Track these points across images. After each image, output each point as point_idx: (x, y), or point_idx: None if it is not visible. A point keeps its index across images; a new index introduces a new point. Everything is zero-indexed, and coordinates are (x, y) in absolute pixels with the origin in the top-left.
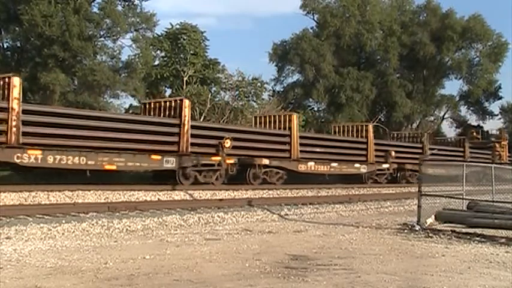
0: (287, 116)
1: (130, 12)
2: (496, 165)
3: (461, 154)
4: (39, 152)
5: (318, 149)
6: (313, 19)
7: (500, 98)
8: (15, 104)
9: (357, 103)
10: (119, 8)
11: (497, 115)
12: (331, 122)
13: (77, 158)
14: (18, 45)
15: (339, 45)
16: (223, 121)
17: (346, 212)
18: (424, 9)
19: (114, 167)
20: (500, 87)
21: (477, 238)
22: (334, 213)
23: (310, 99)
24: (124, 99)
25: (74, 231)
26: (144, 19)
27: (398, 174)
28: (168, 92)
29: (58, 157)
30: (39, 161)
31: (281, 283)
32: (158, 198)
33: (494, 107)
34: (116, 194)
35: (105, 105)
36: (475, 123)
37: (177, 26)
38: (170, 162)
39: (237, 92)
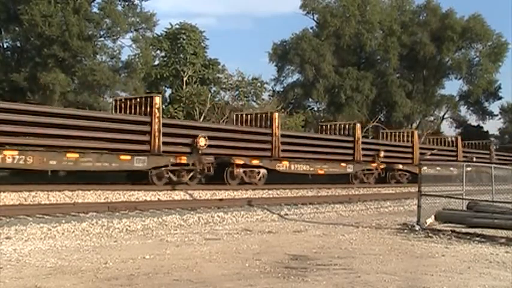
0: (410, 132)
1: (130, 12)
2: (495, 165)
3: None
4: (287, 162)
5: (428, 156)
6: (313, 19)
7: (500, 98)
8: (276, 130)
9: (356, 103)
10: (119, 8)
11: (497, 115)
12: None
13: (306, 166)
14: (18, 45)
15: (338, 45)
16: (223, 121)
17: (346, 212)
18: (424, 9)
19: (322, 172)
20: (500, 87)
21: (477, 238)
22: (334, 213)
23: (310, 99)
24: None
25: (73, 231)
26: (144, 19)
27: (475, 176)
28: (168, 92)
29: (296, 166)
30: (286, 168)
31: (281, 283)
32: (158, 198)
33: (494, 107)
34: (116, 194)
35: (105, 106)
36: (475, 123)
37: (177, 26)
38: (350, 168)
39: (237, 92)
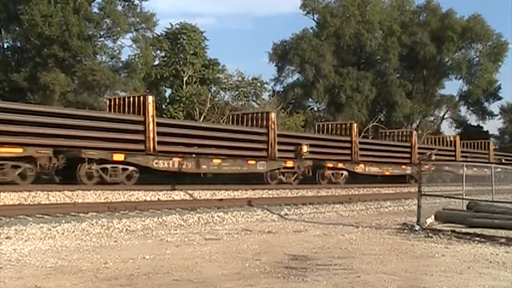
0: (453, 137)
1: (130, 12)
2: (495, 165)
3: None
4: (363, 165)
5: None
6: (313, 19)
7: (500, 98)
8: (355, 138)
9: (357, 103)
10: (119, 8)
11: (497, 115)
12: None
13: (376, 168)
14: (18, 45)
15: (338, 45)
16: (223, 121)
17: (346, 212)
18: (424, 9)
19: (388, 173)
20: (500, 87)
21: (477, 238)
22: (334, 213)
23: (310, 99)
24: None
25: (73, 231)
26: (144, 19)
27: (502, 176)
28: (168, 92)
29: (369, 168)
30: (362, 170)
31: (281, 283)
32: (158, 198)
33: (494, 107)
34: (116, 194)
35: (105, 106)
36: (474, 123)
37: (177, 26)
38: (408, 170)
39: (237, 92)
